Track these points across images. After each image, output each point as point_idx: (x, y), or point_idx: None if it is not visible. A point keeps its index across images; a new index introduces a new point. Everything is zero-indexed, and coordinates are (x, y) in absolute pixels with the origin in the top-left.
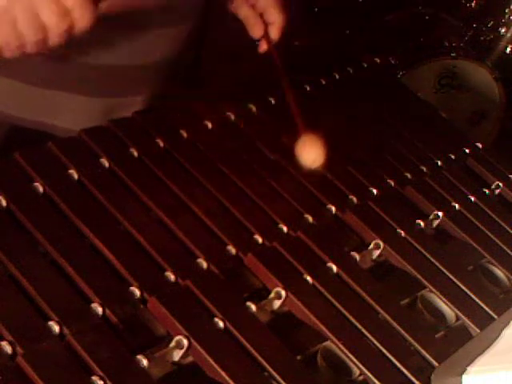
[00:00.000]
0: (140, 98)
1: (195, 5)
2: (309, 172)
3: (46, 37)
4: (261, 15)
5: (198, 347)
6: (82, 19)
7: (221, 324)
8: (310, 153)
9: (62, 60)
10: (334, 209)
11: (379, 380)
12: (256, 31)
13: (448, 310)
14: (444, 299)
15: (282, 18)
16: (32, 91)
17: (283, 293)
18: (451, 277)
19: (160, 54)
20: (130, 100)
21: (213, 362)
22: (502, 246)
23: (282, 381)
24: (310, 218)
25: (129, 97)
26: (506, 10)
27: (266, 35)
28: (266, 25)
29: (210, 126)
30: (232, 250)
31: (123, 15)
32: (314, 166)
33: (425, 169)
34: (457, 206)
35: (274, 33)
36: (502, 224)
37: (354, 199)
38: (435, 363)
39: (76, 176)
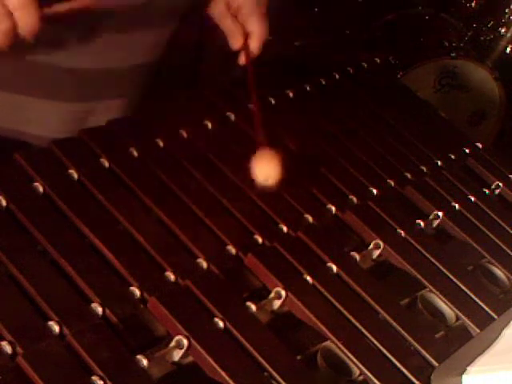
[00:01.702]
0: (117, 102)
1: (175, 7)
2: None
3: None
4: (242, 26)
5: (198, 347)
6: (26, 21)
7: (221, 324)
8: (265, 169)
9: (34, 64)
10: (333, 209)
11: (379, 380)
12: (235, 43)
13: (448, 309)
14: (444, 299)
15: (264, 29)
16: (5, 97)
17: (283, 293)
18: (451, 277)
19: (137, 57)
20: (107, 104)
21: (213, 362)
22: (502, 245)
23: (282, 381)
24: (310, 218)
25: (105, 101)
26: (506, 10)
27: (245, 47)
28: (246, 36)
29: (209, 126)
30: (232, 250)
31: (97, 18)
32: (268, 182)
33: (425, 169)
34: (457, 206)
35: (254, 45)
36: (502, 224)
37: (354, 199)
38: (435, 363)
39: (76, 176)
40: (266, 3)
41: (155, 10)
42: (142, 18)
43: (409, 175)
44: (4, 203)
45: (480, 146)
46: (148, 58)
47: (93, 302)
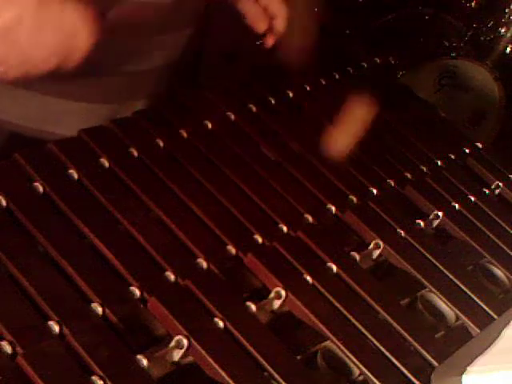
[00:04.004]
0: (140, 102)
1: (195, 9)
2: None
3: (48, 58)
4: (264, 9)
5: (198, 347)
6: (86, 43)
7: (221, 324)
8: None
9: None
10: (333, 209)
11: (379, 380)
12: (260, 26)
13: (448, 310)
14: (444, 299)
15: (286, 10)
16: (32, 98)
17: (283, 293)
18: (451, 277)
19: (161, 59)
20: (130, 105)
21: (213, 362)
22: (502, 245)
23: (281, 381)
24: (310, 218)
25: (129, 102)
26: (506, 10)
27: (270, 29)
28: (270, 19)
29: (209, 126)
30: (232, 250)
31: (125, 23)
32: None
33: (425, 169)
34: (457, 206)
35: (279, 26)
36: (502, 224)
37: (354, 199)
38: (435, 363)
39: (76, 176)
40: None
41: (179, 11)
42: (166, 20)
43: (409, 175)
44: (4, 203)
45: (480, 145)
46: (170, 58)
47: (93, 302)
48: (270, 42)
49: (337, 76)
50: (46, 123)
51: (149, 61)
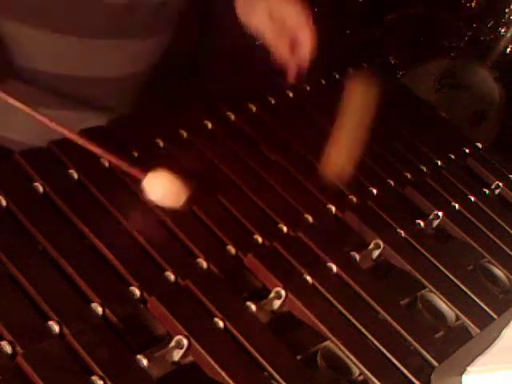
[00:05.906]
0: (102, 112)
1: (164, 19)
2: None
3: None
4: (287, 37)
5: (198, 347)
6: None
7: (221, 324)
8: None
9: (20, 69)
10: (333, 209)
11: (379, 380)
12: (282, 54)
13: (448, 310)
14: (444, 299)
15: (313, 40)
16: None
17: (283, 293)
18: (451, 277)
19: (125, 66)
20: (91, 114)
21: (213, 362)
22: (502, 245)
23: (282, 381)
24: (310, 218)
25: (89, 111)
26: (506, 10)
27: (293, 59)
28: (292, 48)
29: (210, 126)
30: (232, 250)
31: (84, 23)
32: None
33: (425, 169)
34: (457, 206)
35: (304, 55)
36: (502, 224)
37: (354, 199)
38: (435, 363)
39: (76, 176)
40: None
41: (144, 21)
42: (129, 26)
43: (409, 175)
44: (4, 203)
45: (480, 145)
46: (138, 67)
47: (93, 302)
48: (291, 75)
49: (336, 76)
50: (2, 128)
51: (111, 68)
